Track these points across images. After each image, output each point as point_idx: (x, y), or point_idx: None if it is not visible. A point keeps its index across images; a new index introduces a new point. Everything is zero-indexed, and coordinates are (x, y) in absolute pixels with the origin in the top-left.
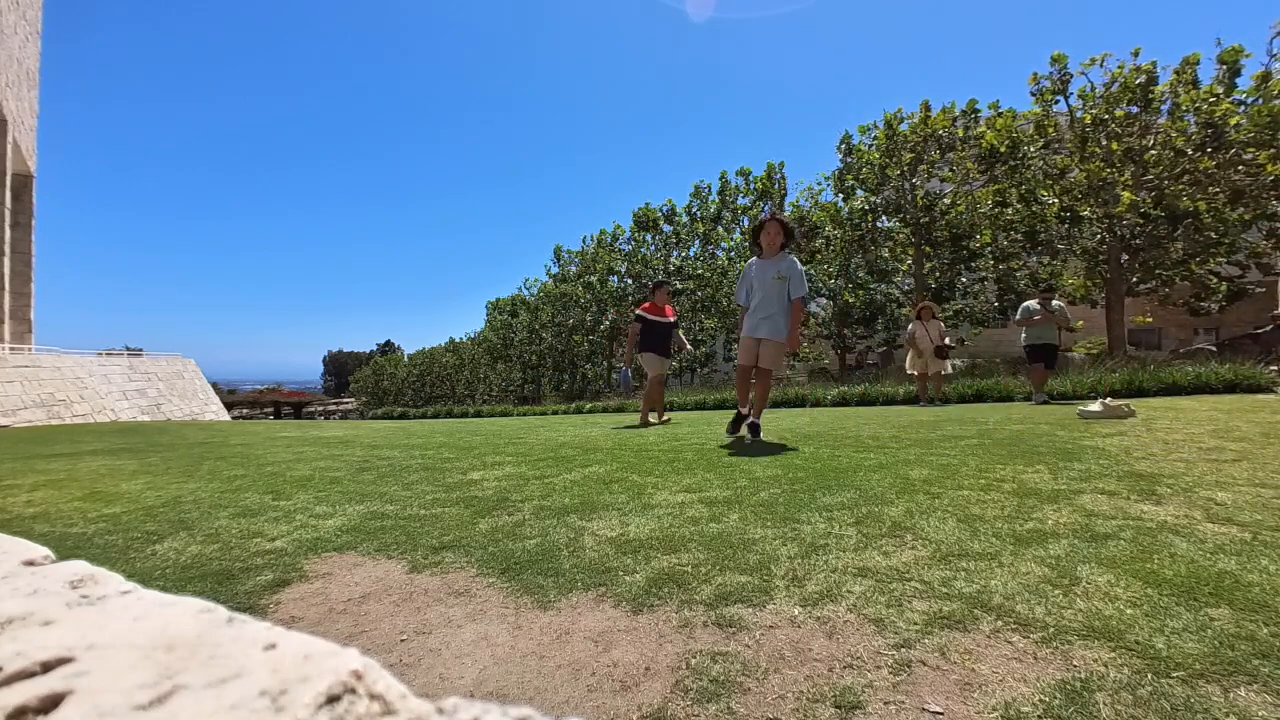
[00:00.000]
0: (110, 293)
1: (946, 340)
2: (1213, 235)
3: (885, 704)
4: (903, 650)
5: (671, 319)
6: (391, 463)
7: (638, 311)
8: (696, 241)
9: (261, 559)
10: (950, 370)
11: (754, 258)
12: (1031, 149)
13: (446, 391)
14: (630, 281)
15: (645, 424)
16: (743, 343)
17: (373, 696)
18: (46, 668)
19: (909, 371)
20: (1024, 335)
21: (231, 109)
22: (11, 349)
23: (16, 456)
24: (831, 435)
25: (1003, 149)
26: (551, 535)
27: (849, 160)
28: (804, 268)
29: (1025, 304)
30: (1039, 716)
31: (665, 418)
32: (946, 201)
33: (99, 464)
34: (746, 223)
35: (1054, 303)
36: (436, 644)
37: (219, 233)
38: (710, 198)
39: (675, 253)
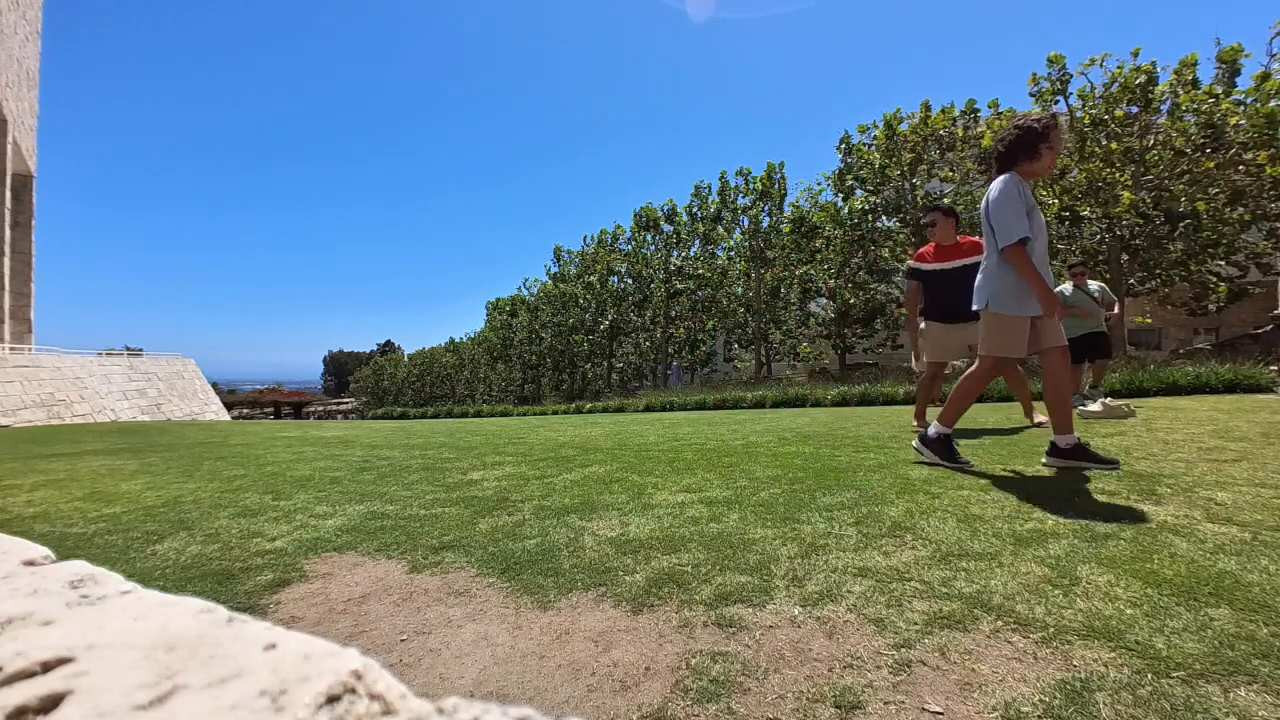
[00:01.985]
0: (110, 293)
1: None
2: (1212, 235)
3: (885, 704)
4: (903, 650)
5: (967, 260)
6: (391, 463)
7: (910, 264)
8: (697, 241)
9: (261, 559)
10: (949, 370)
11: (1011, 172)
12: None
13: (446, 391)
14: (630, 281)
15: (924, 422)
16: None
17: (373, 696)
18: (46, 668)
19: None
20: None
21: (232, 109)
22: (11, 349)
23: (16, 456)
24: (831, 435)
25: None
26: (551, 535)
27: (849, 160)
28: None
29: (1059, 288)
30: (1039, 716)
31: (1038, 419)
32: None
33: (99, 464)
34: (746, 223)
35: (1091, 284)
36: (436, 644)
37: (219, 232)
38: (710, 198)
39: (675, 252)
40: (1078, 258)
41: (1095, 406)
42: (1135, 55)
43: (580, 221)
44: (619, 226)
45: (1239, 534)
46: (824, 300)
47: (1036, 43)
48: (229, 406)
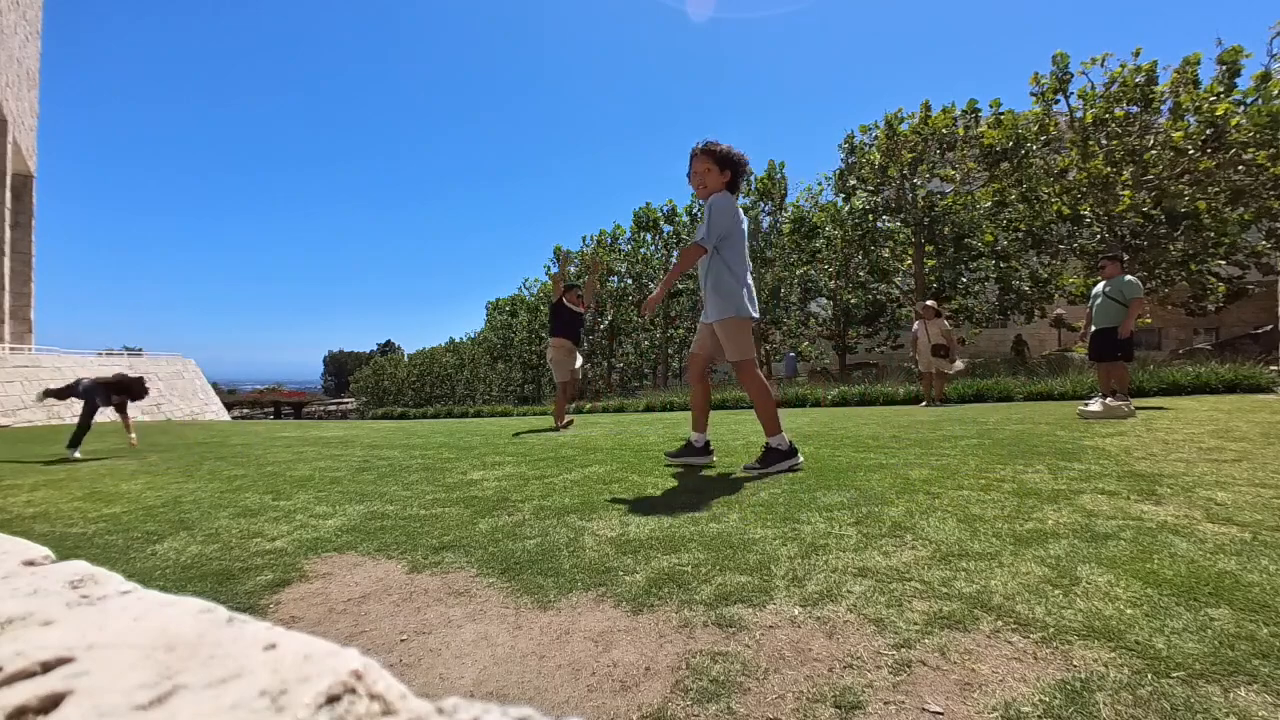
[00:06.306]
0: (110, 293)
1: (946, 340)
2: (1213, 235)
3: (885, 704)
4: (903, 650)
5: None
6: (391, 463)
7: None
8: None
9: (261, 559)
10: (953, 370)
11: (727, 189)
12: (1034, 147)
13: (446, 391)
14: (630, 281)
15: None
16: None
17: (373, 696)
18: (46, 668)
19: (918, 370)
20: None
21: (232, 108)
22: (11, 349)
23: (17, 456)
24: (831, 435)
25: (1007, 145)
26: (551, 535)
27: (851, 160)
28: (803, 269)
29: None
30: (1039, 716)
31: None
32: (946, 201)
33: (99, 464)
34: (747, 222)
35: (1126, 278)
36: (436, 644)
37: (219, 233)
38: None
39: (676, 252)
40: (1110, 246)
41: (1095, 406)
42: (1136, 55)
43: (580, 221)
44: (618, 226)
45: (1239, 534)
46: (824, 300)
47: (1037, 43)
48: (229, 406)
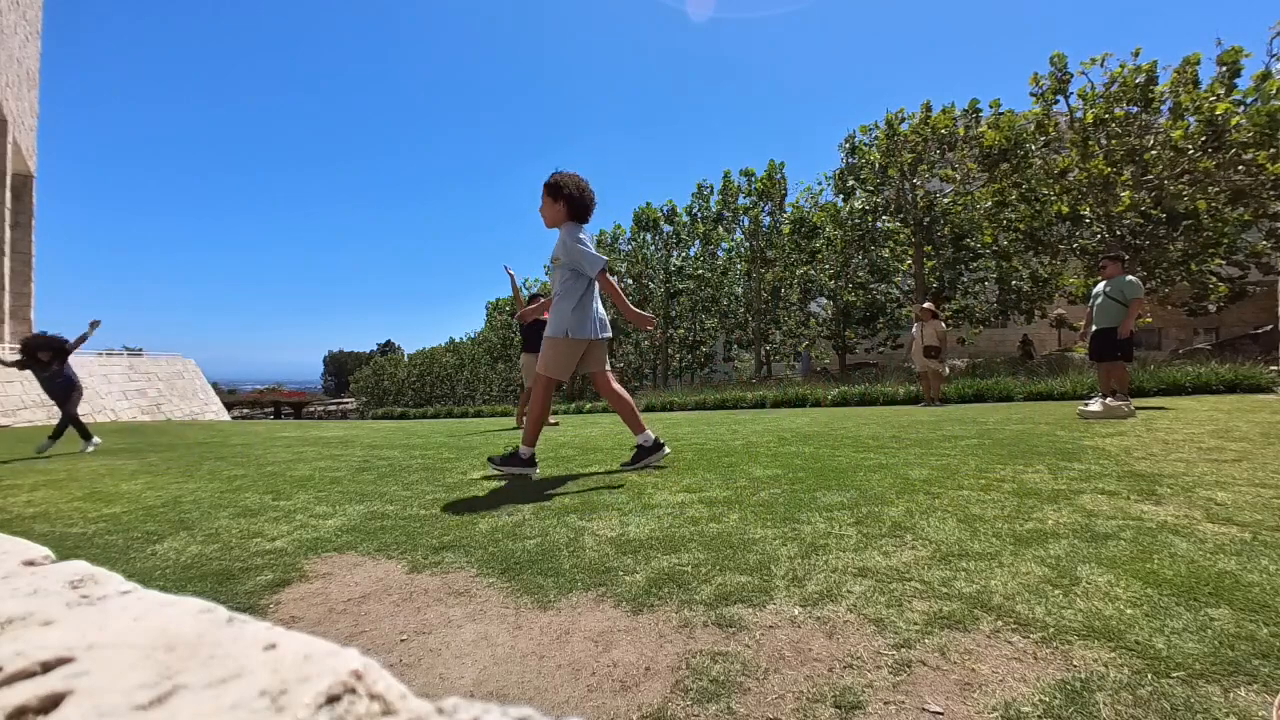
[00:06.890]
0: (110, 293)
1: (939, 341)
2: (1212, 235)
3: (885, 704)
4: (903, 650)
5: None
6: (391, 463)
7: None
8: (697, 242)
9: (261, 559)
10: (946, 371)
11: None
12: (1033, 147)
13: (447, 391)
14: (631, 281)
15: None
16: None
17: (373, 696)
18: (46, 668)
19: (916, 370)
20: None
21: (232, 108)
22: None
23: (17, 456)
24: (831, 435)
25: (1007, 145)
26: (551, 535)
27: (852, 161)
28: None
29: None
30: (1039, 716)
31: None
32: (946, 201)
33: (99, 464)
34: (747, 222)
35: (1127, 279)
36: (436, 644)
37: (219, 232)
38: (713, 197)
39: (675, 252)
40: (1111, 246)
41: (1095, 406)
42: (1136, 55)
43: None
44: (618, 226)
45: (1239, 534)
46: (824, 300)
47: (1037, 43)
48: (229, 406)
